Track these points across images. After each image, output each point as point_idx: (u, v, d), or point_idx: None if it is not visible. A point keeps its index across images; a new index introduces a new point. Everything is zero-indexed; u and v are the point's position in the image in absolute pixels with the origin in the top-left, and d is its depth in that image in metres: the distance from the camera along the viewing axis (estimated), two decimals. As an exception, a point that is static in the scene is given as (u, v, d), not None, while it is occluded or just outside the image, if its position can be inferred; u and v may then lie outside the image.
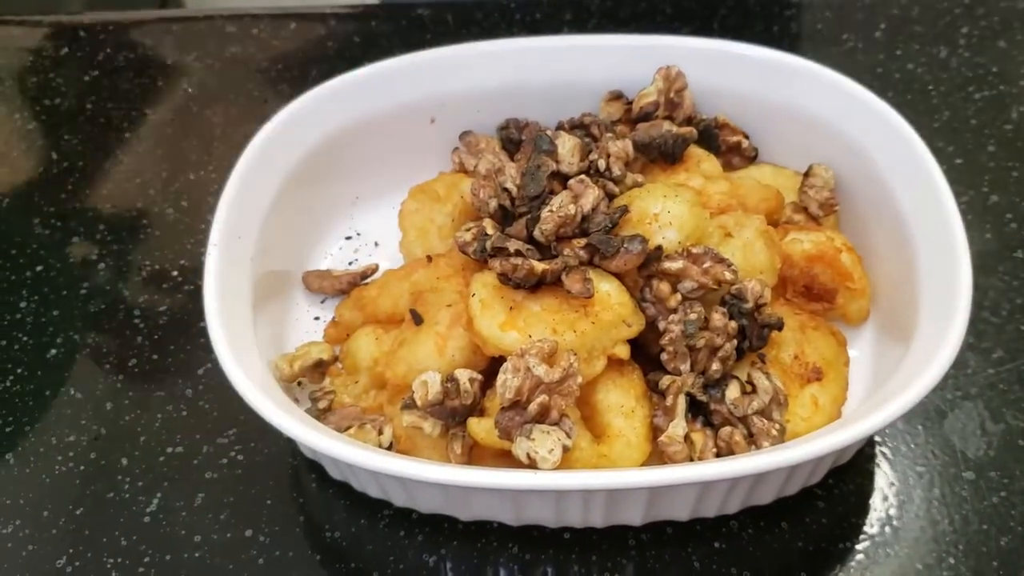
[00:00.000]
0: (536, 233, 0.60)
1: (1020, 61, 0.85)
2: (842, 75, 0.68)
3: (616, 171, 0.64)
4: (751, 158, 0.72)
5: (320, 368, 0.66)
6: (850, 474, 0.63)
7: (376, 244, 0.75)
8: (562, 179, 0.64)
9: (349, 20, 0.92)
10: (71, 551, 0.62)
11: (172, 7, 2.23)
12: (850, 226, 0.70)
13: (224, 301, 0.60)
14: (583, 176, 0.63)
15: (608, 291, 0.59)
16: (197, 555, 0.62)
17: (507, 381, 0.54)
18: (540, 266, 0.58)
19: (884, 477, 0.63)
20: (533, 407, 0.54)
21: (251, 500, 0.64)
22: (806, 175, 0.69)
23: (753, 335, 0.59)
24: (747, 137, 0.72)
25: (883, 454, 0.64)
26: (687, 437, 0.57)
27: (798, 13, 0.89)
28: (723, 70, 0.71)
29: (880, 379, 0.63)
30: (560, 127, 0.72)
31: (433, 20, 0.92)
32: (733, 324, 0.59)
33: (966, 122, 0.81)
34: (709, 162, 0.68)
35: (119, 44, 0.93)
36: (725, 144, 0.71)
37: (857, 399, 0.64)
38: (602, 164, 0.64)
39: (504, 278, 0.58)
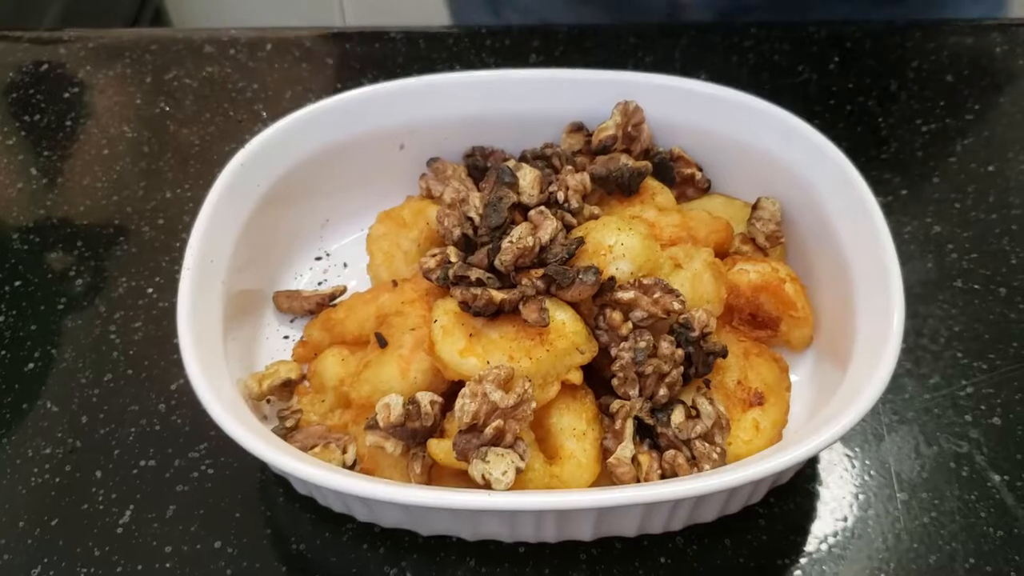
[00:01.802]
0: (496, 263, 0.63)
1: (966, 95, 0.89)
2: (788, 112, 0.72)
3: (574, 203, 0.68)
4: (704, 189, 0.76)
5: (288, 387, 0.69)
6: (790, 494, 0.67)
7: (345, 265, 0.78)
8: (523, 210, 0.67)
9: (323, 43, 0.95)
10: (46, 560, 0.65)
11: (156, 23, 2.26)
12: (796, 256, 0.73)
13: (196, 323, 0.63)
14: (542, 208, 0.66)
15: (563, 320, 0.62)
16: (168, 565, 0.64)
17: (465, 406, 0.58)
18: (499, 296, 0.61)
19: (822, 497, 0.67)
20: (489, 431, 0.57)
21: (220, 513, 0.67)
22: (754, 208, 0.72)
23: (699, 362, 0.63)
24: (700, 169, 0.75)
25: (822, 475, 0.67)
26: (634, 459, 0.60)
27: (756, 45, 0.93)
28: (679, 105, 0.74)
29: (820, 403, 0.67)
30: (523, 157, 0.75)
31: (405, 45, 0.95)
32: (680, 352, 0.62)
33: (912, 154, 0.84)
34: (663, 195, 0.72)
35: (99, 62, 0.95)
36: (680, 176, 0.75)
37: (798, 421, 0.67)
38: (561, 196, 0.68)
39: (464, 306, 0.62)
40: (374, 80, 0.91)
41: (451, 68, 0.93)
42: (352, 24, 2.19)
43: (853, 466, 0.68)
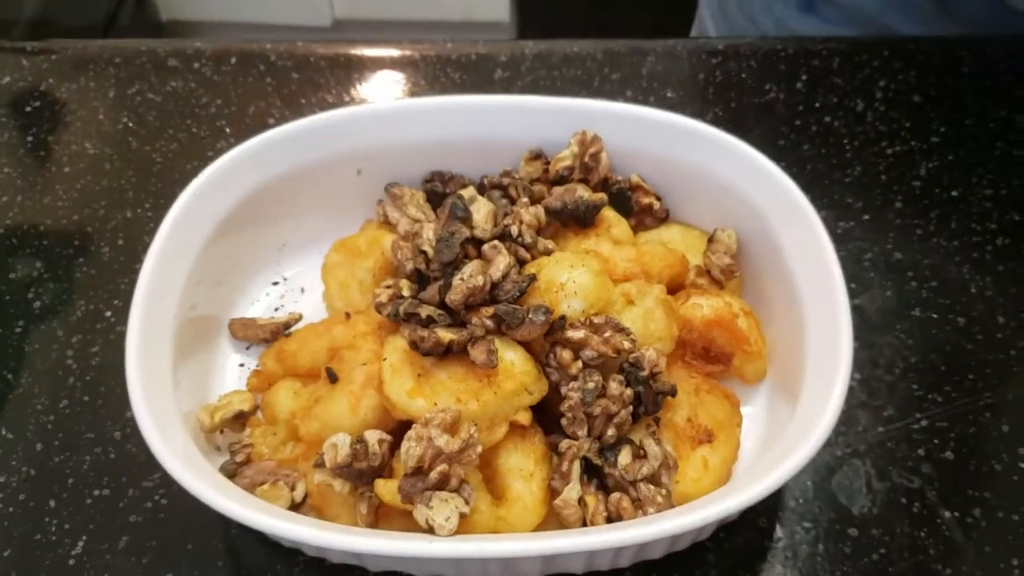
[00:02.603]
0: (447, 300, 0.63)
1: (932, 116, 0.88)
2: (745, 143, 0.71)
3: (527, 238, 0.67)
4: (662, 219, 0.76)
5: (241, 419, 0.69)
6: (740, 529, 0.67)
7: (302, 290, 0.78)
8: (477, 243, 0.67)
9: (288, 58, 0.94)
10: (-3, 593, 0.65)
11: (140, 7, 2.24)
12: (752, 286, 0.73)
13: (145, 363, 0.63)
14: (496, 242, 0.66)
15: (512, 360, 0.62)
16: (119, 599, 0.65)
17: (410, 449, 0.58)
18: (447, 336, 0.61)
19: (772, 532, 0.67)
20: (433, 475, 0.57)
21: (173, 544, 0.67)
22: (710, 240, 0.72)
23: (648, 401, 0.63)
24: (659, 199, 0.75)
25: (773, 509, 0.68)
26: (581, 500, 0.60)
27: (723, 62, 0.92)
28: (638, 134, 0.74)
29: (772, 437, 0.67)
30: (481, 185, 0.75)
31: (372, 62, 0.94)
32: (629, 392, 0.62)
33: (876, 177, 0.84)
34: (619, 226, 0.71)
35: (62, 74, 0.95)
36: (638, 205, 0.74)
37: (750, 455, 0.67)
38: (515, 231, 0.67)
39: (413, 346, 0.61)
40: (337, 96, 0.91)
41: (416, 83, 0.93)
42: (341, 15, 2.17)
43: (804, 500, 0.68)
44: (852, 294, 0.69)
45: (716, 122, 0.86)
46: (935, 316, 0.76)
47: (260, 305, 0.77)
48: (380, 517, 0.62)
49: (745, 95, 0.90)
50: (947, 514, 0.67)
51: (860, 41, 0.94)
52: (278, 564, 0.66)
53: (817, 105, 0.89)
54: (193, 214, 0.70)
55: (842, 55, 0.92)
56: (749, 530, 0.67)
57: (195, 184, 0.70)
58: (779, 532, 0.67)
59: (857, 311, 0.74)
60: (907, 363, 0.74)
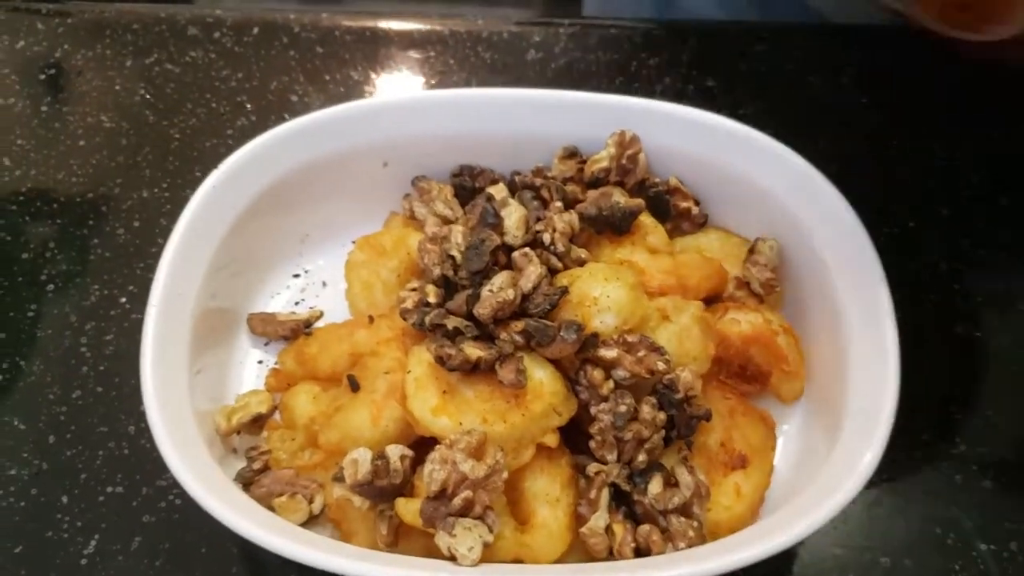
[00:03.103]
0: (475, 312, 0.60)
1: (982, 120, 0.84)
2: (792, 151, 0.68)
3: (560, 247, 0.65)
4: (700, 224, 0.72)
5: (259, 422, 0.67)
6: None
7: (323, 284, 0.75)
8: (507, 250, 0.64)
9: (313, 30, 0.90)
10: (8, 592, 0.64)
11: None
12: (792, 300, 0.70)
13: (161, 365, 0.61)
14: (527, 250, 0.63)
15: (541, 379, 0.59)
16: (131, 602, 0.64)
17: (433, 472, 0.56)
18: (475, 354, 0.58)
19: (802, 558, 0.65)
20: (457, 501, 0.55)
21: (186, 547, 0.66)
22: (750, 251, 0.69)
23: (681, 425, 0.61)
24: (698, 203, 0.72)
25: (803, 534, 0.66)
26: (608, 528, 0.58)
27: (767, 50, 0.88)
28: (680, 134, 0.70)
29: (806, 460, 0.65)
30: (512, 183, 0.72)
31: (400, 37, 0.90)
32: (662, 416, 0.60)
33: (923, 183, 0.81)
34: (656, 234, 0.68)
35: (77, 40, 0.91)
36: (675, 209, 0.71)
37: (783, 478, 0.65)
38: (547, 238, 0.65)
39: (440, 361, 0.59)
40: (362, 73, 0.88)
41: (445, 63, 0.89)
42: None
43: (836, 526, 0.66)
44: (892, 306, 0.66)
45: (757, 115, 0.83)
46: (978, 334, 0.73)
47: (280, 298, 0.74)
48: (400, 536, 0.60)
49: (788, 87, 0.86)
50: (983, 546, 0.65)
51: (906, 30, 0.89)
52: (292, 572, 0.64)
53: (863, 100, 0.85)
54: (213, 204, 0.67)
55: (892, 48, 0.88)
56: (778, 555, 0.65)
57: (216, 173, 0.68)
58: (809, 558, 0.65)
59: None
60: (947, 384, 0.71)
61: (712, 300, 0.69)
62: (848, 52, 0.88)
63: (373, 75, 0.88)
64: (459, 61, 0.89)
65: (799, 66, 0.87)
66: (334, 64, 0.88)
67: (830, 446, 0.61)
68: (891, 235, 0.77)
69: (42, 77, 0.89)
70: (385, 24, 0.91)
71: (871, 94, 0.86)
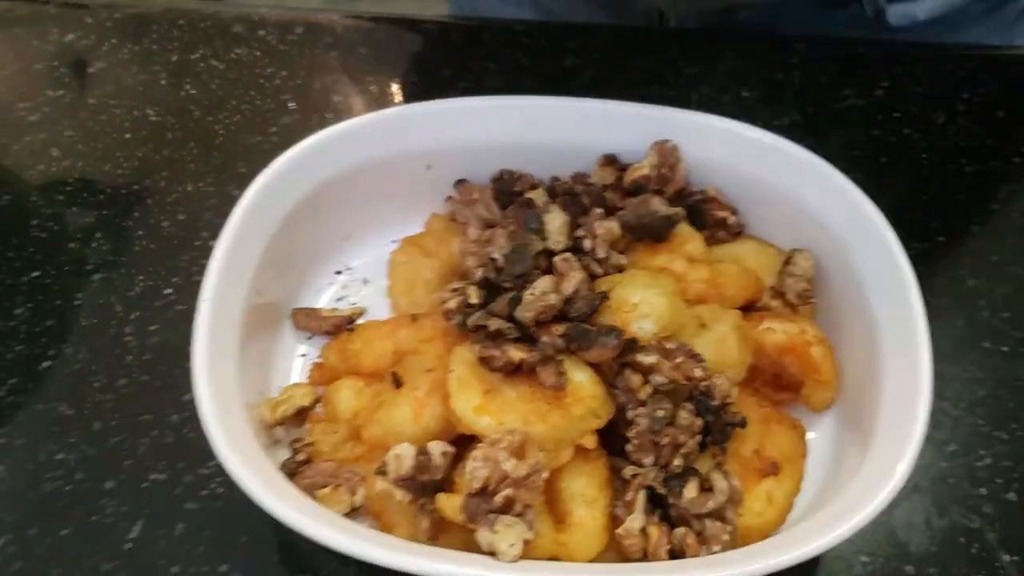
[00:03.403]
0: (517, 315, 0.62)
1: (1016, 135, 0.86)
2: (829, 165, 0.69)
3: (601, 253, 0.66)
4: (736, 233, 0.74)
5: (302, 414, 0.68)
6: (797, 559, 0.66)
7: (365, 281, 0.77)
8: (548, 254, 0.66)
9: (355, 31, 0.92)
10: (56, 572, 0.65)
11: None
12: (826, 310, 0.72)
13: (212, 358, 0.62)
14: (568, 255, 0.65)
15: (582, 382, 0.61)
16: (173, 587, 0.65)
17: (476, 470, 0.57)
18: (518, 356, 0.60)
19: (827, 563, 0.66)
20: (499, 499, 0.57)
21: (228, 534, 0.67)
22: (786, 262, 0.70)
23: (717, 431, 0.62)
24: (735, 213, 0.73)
25: (831, 540, 0.67)
26: (643, 530, 0.60)
27: (802, 63, 0.90)
28: (718, 146, 0.72)
29: (836, 467, 0.66)
30: (552, 189, 0.73)
31: (439, 36, 0.92)
32: (699, 422, 0.61)
33: (953, 197, 0.82)
34: (693, 242, 0.70)
35: (125, 35, 0.93)
36: (712, 219, 0.73)
37: (811, 485, 0.66)
38: (588, 244, 0.66)
39: (484, 362, 0.61)
40: (403, 75, 0.90)
41: (485, 66, 0.91)
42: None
43: (863, 535, 0.67)
44: (921, 320, 0.68)
45: (792, 127, 0.85)
46: (1006, 349, 0.75)
47: (324, 294, 0.76)
48: (441, 530, 0.62)
49: (823, 99, 0.88)
50: (1006, 558, 0.66)
51: (946, 49, 0.91)
52: (332, 564, 0.66)
53: (896, 115, 0.87)
54: (264, 203, 0.69)
55: (926, 63, 0.89)
56: (806, 561, 0.66)
57: (267, 172, 0.69)
58: (835, 564, 0.66)
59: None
60: (974, 397, 0.73)
61: (747, 309, 0.70)
62: (883, 66, 0.89)
63: (413, 77, 0.90)
64: (499, 66, 0.90)
65: (834, 79, 0.89)
66: (376, 65, 0.90)
67: (861, 456, 0.63)
68: (921, 249, 0.79)
69: (91, 70, 0.91)
70: (427, 27, 0.93)
71: (904, 108, 0.87)
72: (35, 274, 0.79)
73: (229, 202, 0.69)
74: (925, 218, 0.81)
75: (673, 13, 0.94)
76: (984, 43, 0.95)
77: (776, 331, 0.67)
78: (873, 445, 0.62)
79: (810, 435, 0.68)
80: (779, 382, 0.68)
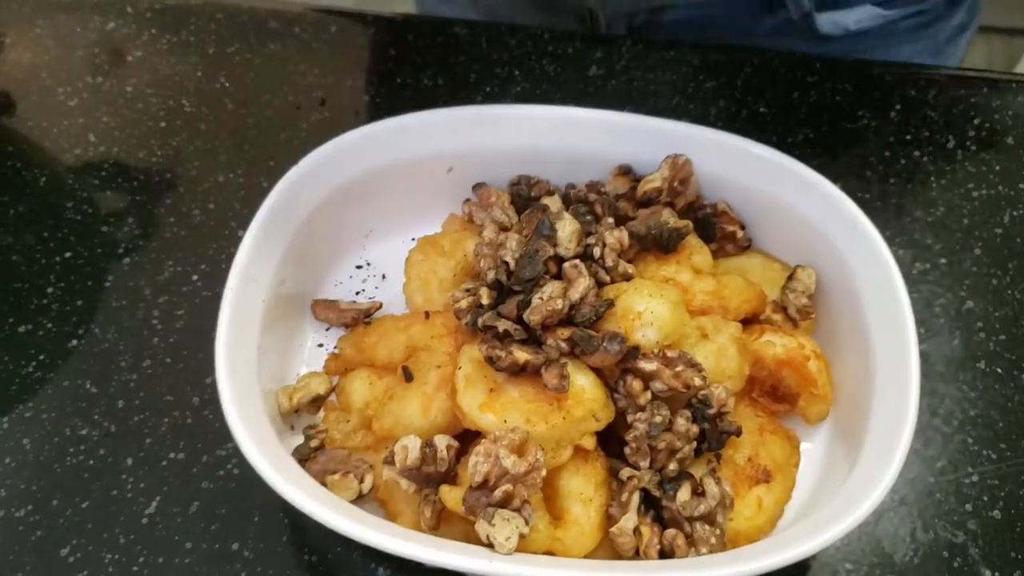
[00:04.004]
0: (524, 317, 0.65)
1: (1023, 163, 0.87)
2: (832, 183, 0.72)
3: (609, 261, 0.69)
4: (744, 247, 0.76)
5: (317, 402, 0.71)
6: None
7: (383, 277, 0.80)
8: (558, 260, 0.69)
9: (387, 31, 0.95)
10: (75, 542, 0.69)
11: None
12: (825, 325, 0.74)
13: (233, 344, 0.66)
14: (577, 261, 0.68)
15: (583, 385, 0.64)
16: (187, 561, 0.68)
17: (478, 464, 0.60)
18: (523, 357, 0.63)
19: (814, 571, 0.69)
20: (498, 493, 0.60)
21: (241, 515, 0.70)
22: (789, 278, 0.73)
23: (712, 439, 0.65)
24: (743, 227, 0.76)
25: (817, 549, 0.70)
26: (636, 530, 0.63)
27: (819, 81, 0.92)
28: (729, 162, 0.74)
29: (826, 479, 0.69)
30: (567, 196, 0.76)
31: (468, 40, 0.94)
32: (695, 428, 0.64)
33: (959, 220, 0.84)
34: (701, 255, 0.72)
35: (164, 26, 0.96)
36: (721, 232, 0.75)
37: (800, 494, 0.69)
38: (597, 252, 0.69)
39: (490, 362, 0.63)
40: (431, 78, 0.92)
41: (509, 72, 0.93)
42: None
43: (848, 542, 0.70)
44: (919, 339, 0.69)
45: (805, 144, 0.87)
46: (999, 371, 0.77)
47: (343, 287, 0.79)
48: (442, 520, 0.65)
49: (837, 119, 0.89)
50: (987, 573, 0.68)
51: (960, 74, 0.93)
52: (338, 547, 0.69)
53: (908, 138, 0.89)
54: (291, 198, 0.72)
55: (939, 87, 0.91)
56: (791, 566, 0.69)
57: (296, 169, 0.72)
58: (820, 570, 0.69)
59: (922, 357, 0.74)
60: (965, 416, 0.75)
61: (749, 321, 0.73)
62: (897, 89, 0.91)
63: (440, 80, 0.92)
64: (524, 72, 0.93)
65: (849, 99, 0.91)
66: (405, 67, 0.93)
67: (850, 467, 0.65)
68: (923, 271, 0.81)
69: (129, 59, 0.94)
70: (456, 31, 0.95)
71: (915, 131, 0.89)
72: (67, 255, 0.83)
73: (258, 194, 0.72)
74: (929, 239, 0.83)
75: (602, 12, 0.96)
76: (915, 62, 0.97)
77: (775, 344, 0.70)
78: (862, 457, 0.64)
79: (804, 446, 0.71)
80: (776, 393, 0.70)
